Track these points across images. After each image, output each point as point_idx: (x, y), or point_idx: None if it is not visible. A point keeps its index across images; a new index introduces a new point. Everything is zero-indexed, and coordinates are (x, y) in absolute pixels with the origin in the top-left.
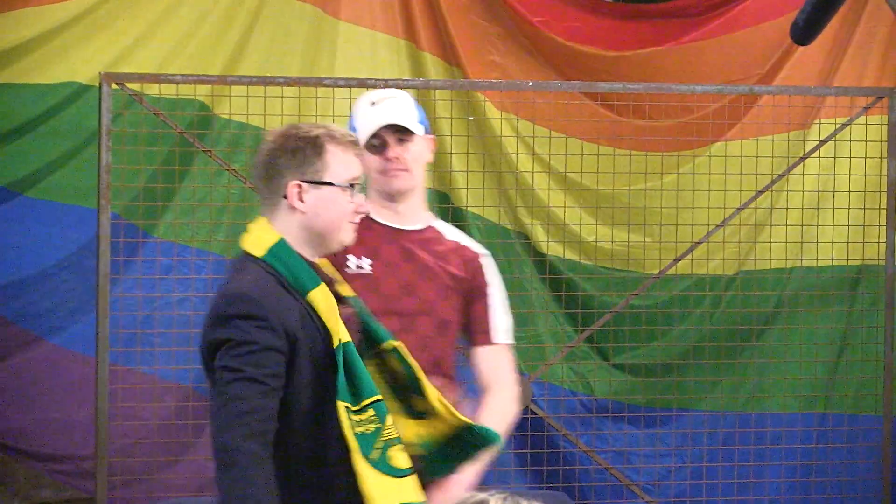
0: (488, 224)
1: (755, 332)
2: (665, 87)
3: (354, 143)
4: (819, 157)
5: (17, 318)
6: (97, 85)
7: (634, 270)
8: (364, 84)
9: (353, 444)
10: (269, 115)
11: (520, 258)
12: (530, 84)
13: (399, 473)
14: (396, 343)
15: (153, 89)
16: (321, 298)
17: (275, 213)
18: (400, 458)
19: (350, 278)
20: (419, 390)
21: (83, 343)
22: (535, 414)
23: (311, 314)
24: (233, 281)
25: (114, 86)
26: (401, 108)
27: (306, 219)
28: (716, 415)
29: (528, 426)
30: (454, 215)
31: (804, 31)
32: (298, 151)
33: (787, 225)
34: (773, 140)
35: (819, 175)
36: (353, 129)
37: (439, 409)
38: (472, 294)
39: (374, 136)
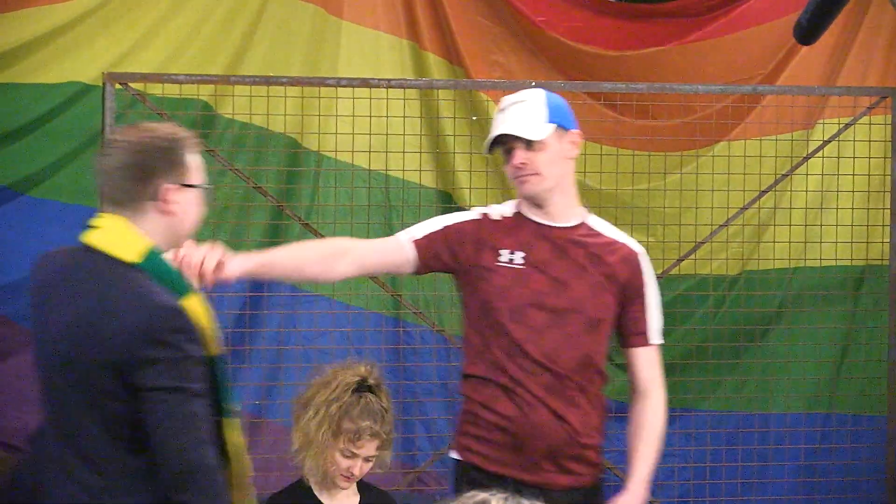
0: None
1: (759, 332)
2: (668, 87)
3: (200, 145)
4: (822, 156)
5: (20, 317)
6: (100, 85)
7: None
8: (367, 84)
9: (233, 461)
10: (271, 115)
11: None
12: (533, 84)
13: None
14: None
15: (156, 89)
16: (195, 305)
17: (138, 214)
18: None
19: (500, 271)
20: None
21: None
22: None
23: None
24: (138, 293)
25: (117, 85)
26: (522, 113)
27: (176, 221)
28: (719, 415)
29: None
30: None
31: (807, 31)
32: (170, 153)
33: (790, 225)
34: (776, 140)
35: (822, 175)
36: None
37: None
38: (628, 293)
39: (503, 142)
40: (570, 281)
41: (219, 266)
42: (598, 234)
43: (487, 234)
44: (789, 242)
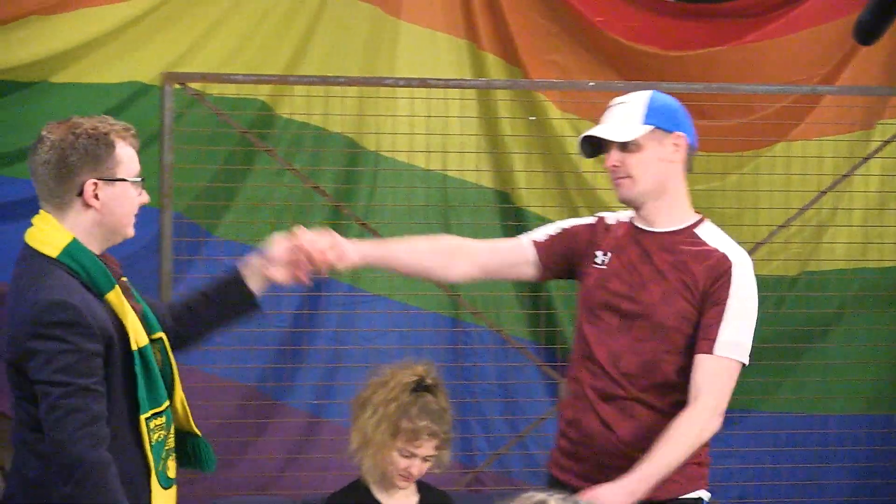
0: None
1: (818, 333)
2: (727, 88)
3: (134, 136)
4: (882, 157)
5: None
6: (159, 84)
7: None
8: (425, 84)
9: (150, 458)
10: (329, 115)
11: None
12: (591, 84)
13: (169, 484)
14: (161, 334)
15: (215, 89)
16: (116, 301)
17: (63, 210)
18: (172, 469)
19: (591, 272)
20: (172, 386)
21: None
22: None
23: (112, 316)
24: (38, 286)
25: (175, 85)
26: (618, 114)
27: (100, 216)
28: (779, 416)
29: None
30: (515, 215)
31: (867, 31)
32: (91, 149)
33: (850, 225)
34: (836, 140)
35: (882, 176)
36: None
37: (179, 409)
38: (708, 300)
39: (601, 146)
40: (645, 286)
41: (336, 252)
42: (700, 243)
43: (597, 237)
44: (849, 243)
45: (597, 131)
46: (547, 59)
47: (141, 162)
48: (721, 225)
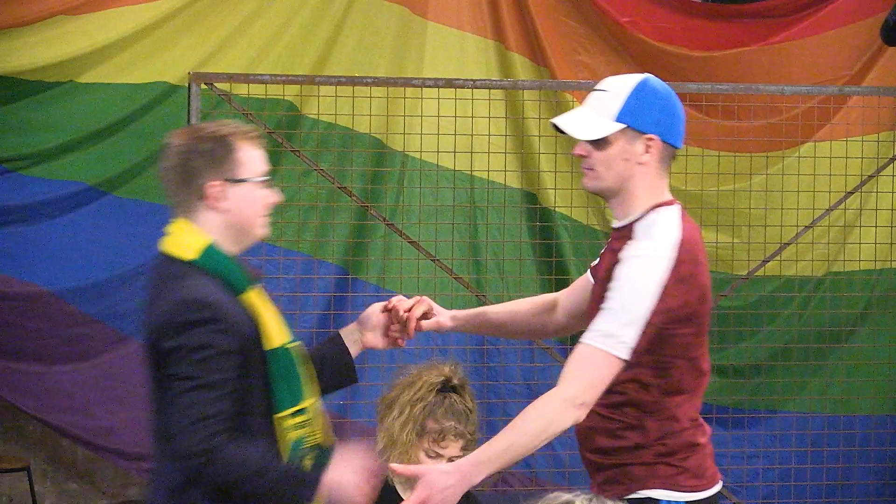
0: (576, 224)
1: (844, 334)
2: (754, 88)
3: (259, 138)
4: None
5: (106, 316)
6: (186, 85)
7: (723, 271)
8: (451, 84)
9: (285, 458)
10: (356, 116)
11: None
12: None
13: None
14: (297, 343)
15: (242, 89)
16: (256, 300)
17: (194, 215)
18: (308, 467)
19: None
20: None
21: None
22: None
23: (249, 315)
24: (175, 287)
25: (203, 86)
26: (594, 103)
27: (227, 217)
28: (804, 416)
29: None
30: (542, 216)
31: (894, 32)
32: (212, 151)
33: (876, 226)
34: (862, 141)
35: None
36: None
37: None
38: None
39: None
40: (592, 288)
41: (431, 319)
42: (630, 234)
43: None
44: (875, 244)
45: (564, 125)
46: (574, 59)
47: None
48: (748, 225)
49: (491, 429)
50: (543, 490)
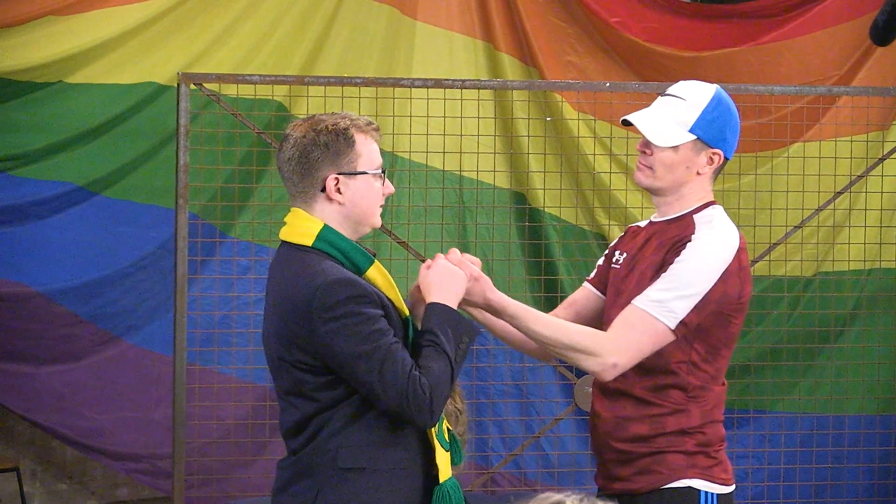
0: (565, 225)
1: (833, 334)
2: (743, 88)
3: (376, 130)
4: None
5: (95, 317)
6: (175, 85)
7: None
8: (441, 85)
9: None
10: None
11: (597, 259)
12: (607, 84)
13: (448, 447)
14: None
15: (231, 89)
16: (378, 275)
17: (311, 205)
18: (447, 431)
19: (611, 272)
20: None
21: (160, 343)
22: None
23: (377, 291)
24: (308, 273)
25: (192, 86)
26: (670, 108)
27: (345, 209)
28: (794, 416)
29: None
30: (531, 216)
31: (883, 32)
32: (332, 144)
33: (865, 226)
34: (851, 141)
35: None
36: None
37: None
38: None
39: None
40: (629, 275)
41: (479, 281)
42: (689, 224)
43: (621, 242)
44: (864, 244)
45: (641, 125)
46: (563, 59)
47: (157, 163)
48: (737, 225)
49: (481, 429)
50: (533, 490)
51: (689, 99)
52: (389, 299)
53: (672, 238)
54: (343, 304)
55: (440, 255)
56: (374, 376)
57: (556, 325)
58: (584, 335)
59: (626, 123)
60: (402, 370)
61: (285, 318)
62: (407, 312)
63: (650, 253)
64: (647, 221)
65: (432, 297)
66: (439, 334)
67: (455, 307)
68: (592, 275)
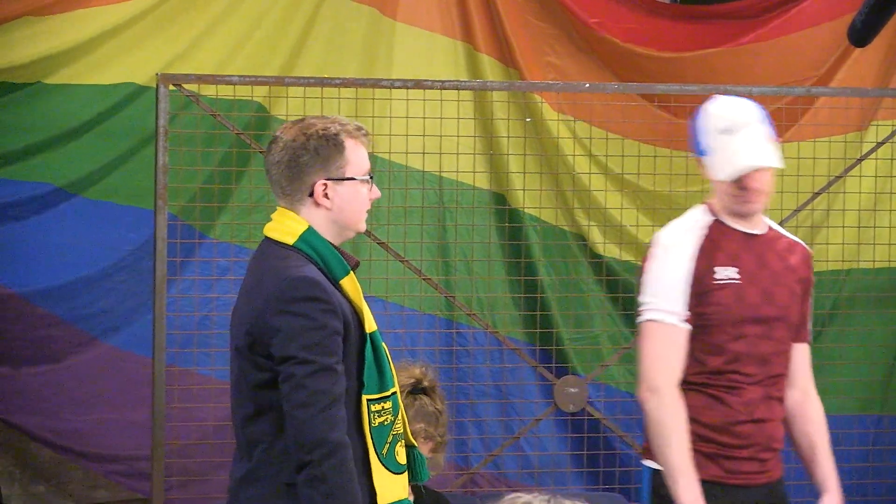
0: (545, 226)
1: (812, 334)
2: (722, 89)
3: (365, 135)
4: (876, 158)
5: (74, 318)
6: (154, 86)
7: None
8: (420, 85)
9: (370, 440)
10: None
11: (577, 260)
12: (587, 85)
13: (399, 470)
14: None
15: (210, 90)
16: (350, 286)
17: (298, 208)
18: (401, 455)
19: (718, 288)
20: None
21: (140, 344)
22: (592, 415)
23: (346, 300)
24: (281, 267)
25: (171, 87)
26: (767, 137)
27: (331, 214)
28: None
29: (584, 427)
30: (511, 217)
31: (861, 33)
32: (322, 150)
33: (843, 226)
34: (830, 142)
35: (876, 177)
36: (701, 149)
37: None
38: (806, 291)
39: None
40: (774, 290)
41: None
42: (780, 236)
43: (709, 256)
44: (843, 244)
45: (773, 163)
46: (543, 60)
47: (136, 164)
48: None
49: (460, 429)
50: (513, 491)
51: (756, 121)
52: (357, 312)
53: (788, 251)
54: (301, 301)
55: None
56: (296, 391)
57: None
58: (822, 417)
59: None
60: (336, 408)
61: (250, 306)
62: (373, 328)
63: (780, 268)
64: (706, 227)
65: None
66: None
67: None
68: (682, 311)
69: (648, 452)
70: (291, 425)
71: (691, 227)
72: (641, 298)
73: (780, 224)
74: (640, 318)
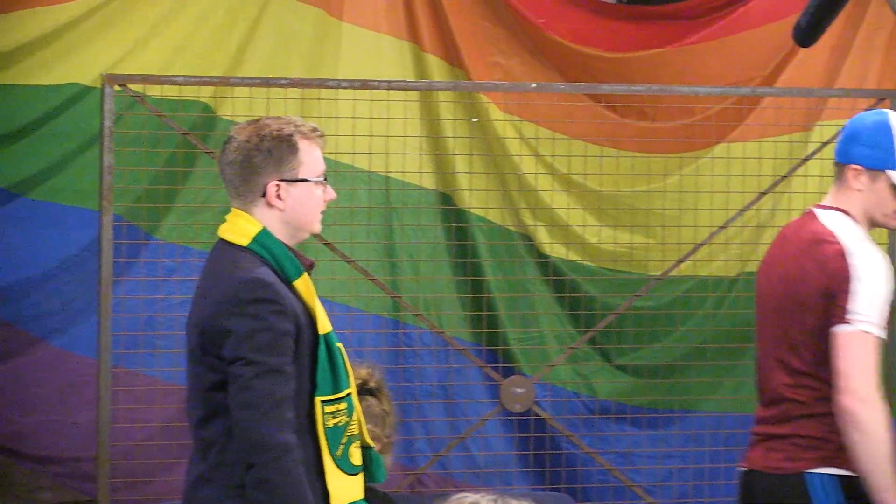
0: (491, 226)
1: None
2: (668, 89)
3: (321, 136)
4: (821, 158)
5: (19, 320)
6: (99, 86)
7: (637, 272)
8: (367, 86)
9: (323, 441)
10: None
11: (523, 260)
12: (533, 86)
13: (354, 471)
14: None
15: (156, 90)
16: (304, 287)
17: (251, 208)
18: (356, 456)
19: None
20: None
21: (85, 345)
22: (538, 415)
23: (300, 301)
24: (234, 268)
25: (116, 87)
26: None
27: (284, 215)
28: (718, 416)
29: (530, 427)
30: (458, 217)
31: (806, 33)
32: (275, 151)
33: None
34: (775, 142)
35: (821, 177)
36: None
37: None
38: None
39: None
40: None
41: None
42: None
43: None
44: None
45: None
46: (489, 60)
47: (81, 164)
48: (662, 226)
49: (406, 430)
50: (460, 491)
51: None
52: (310, 313)
53: None
54: (252, 303)
55: None
56: (242, 391)
57: None
58: None
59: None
60: (284, 411)
61: (204, 308)
62: (328, 329)
63: None
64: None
65: None
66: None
67: None
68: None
69: (825, 460)
70: (238, 427)
71: (865, 236)
72: (853, 307)
73: (726, 224)
74: (850, 327)
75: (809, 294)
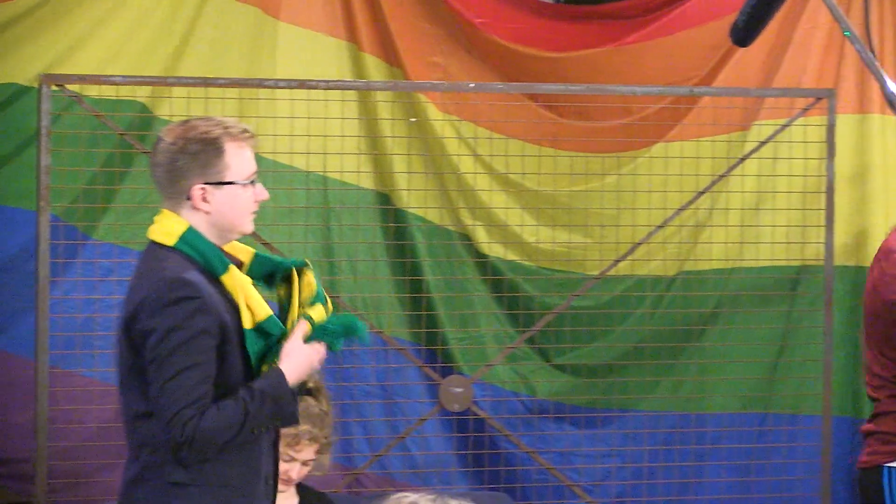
0: (430, 225)
1: (696, 333)
2: (606, 89)
3: (251, 137)
4: (759, 158)
5: None
6: (36, 86)
7: (575, 271)
8: (305, 85)
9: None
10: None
11: (461, 259)
12: (472, 85)
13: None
14: (307, 265)
15: (93, 90)
16: (231, 282)
17: (179, 210)
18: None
19: None
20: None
21: (22, 346)
22: (477, 415)
23: (227, 297)
24: (156, 269)
25: (53, 87)
26: None
27: (211, 217)
28: (656, 415)
29: (469, 427)
30: (396, 217)
31: (744, 33)
32: (200, 154)
33: (727, 226)
34: (713, 141)
35: (759, 176)
36: None
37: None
38: None
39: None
40: None
41: None
42: None
43: None
44: (726, 243)
45: None
46: (428, 60)
47: (19, 164)
48: (600, 225)
49: (345, 430)
50: (399, 491)
51: None
52: (237, 308)
53: None
54: (172, 303)
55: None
56: (161, 393)
57: None
58: None
59: None
60: (196, 407)
61: (129, 308)
62: (253, 322)
63: None
64: None
65: (284, 363)
66: (254, 398)
67: (295, 382)
68: None
69: (889, 454)
70: (158, 425)
71: None
72: None
73: (664, 223)
74: None
75: (876, 302)
